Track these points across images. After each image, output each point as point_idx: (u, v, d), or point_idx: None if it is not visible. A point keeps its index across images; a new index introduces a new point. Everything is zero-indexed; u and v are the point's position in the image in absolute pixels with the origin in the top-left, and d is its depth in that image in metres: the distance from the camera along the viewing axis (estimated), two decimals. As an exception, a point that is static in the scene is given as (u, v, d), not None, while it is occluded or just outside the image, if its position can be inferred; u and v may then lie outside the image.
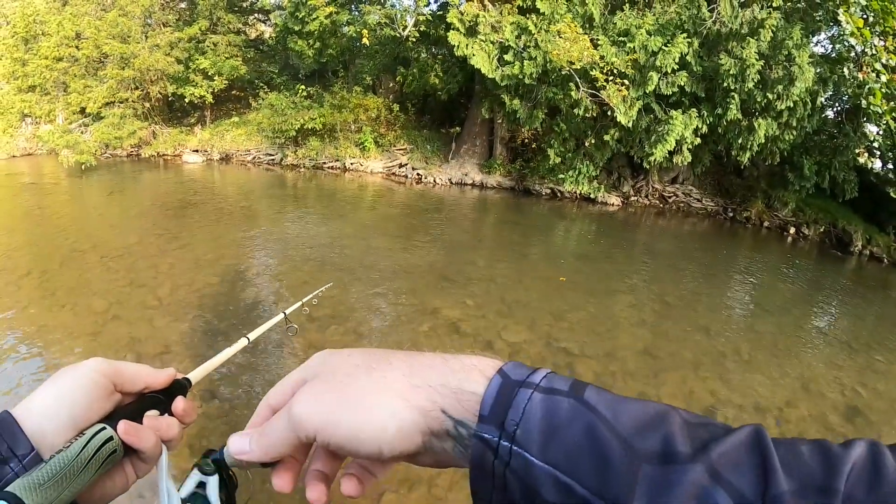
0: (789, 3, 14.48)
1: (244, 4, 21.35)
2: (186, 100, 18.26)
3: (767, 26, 13.44)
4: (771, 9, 13.58)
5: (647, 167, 16.17)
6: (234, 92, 20.49)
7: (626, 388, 5.51)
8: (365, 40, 16.48)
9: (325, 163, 17.47)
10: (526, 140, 16.86)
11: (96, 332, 5.52)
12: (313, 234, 9.89)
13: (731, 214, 18.10)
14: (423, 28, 16.90)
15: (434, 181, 16.87)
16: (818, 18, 15.06)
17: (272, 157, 17.92)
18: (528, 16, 14.29)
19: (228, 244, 8.81)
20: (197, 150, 18.24)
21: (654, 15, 14.15)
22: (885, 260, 17.07)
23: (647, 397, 5.36)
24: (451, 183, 16.85)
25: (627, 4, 14.52)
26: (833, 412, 6.02)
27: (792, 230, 17.79)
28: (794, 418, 5.69)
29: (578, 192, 16.00)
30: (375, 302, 6.88)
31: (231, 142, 18.34)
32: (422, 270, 8.29)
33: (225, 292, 6.72)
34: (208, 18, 18.79)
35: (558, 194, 16.43)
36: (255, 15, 22.69)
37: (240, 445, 0.53)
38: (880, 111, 13.35)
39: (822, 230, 17.79)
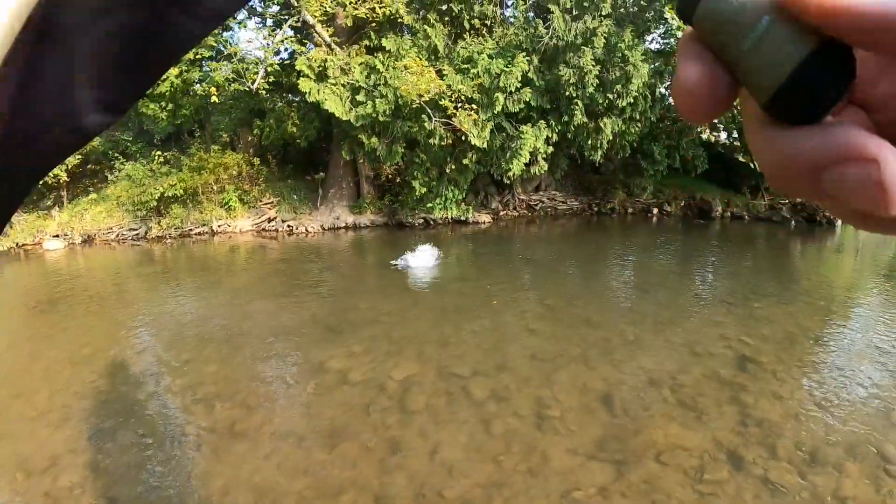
0: (622, 10, 15.73)
1: (92, 70, 20.26)
2: (40, 181, 16.96)
3: (600, 34, 14.59)
4: (602, 17, 14.70)
5: (509, 182, 16.91)
6: (89, 166, 19.23)
7: (522, 397, 5.63)
8: (214, 98, 16.11)
9: (191, 229, 16.73)
10: (390, 175, 17.07)
11: (-19, 455, 5.07)
12: (188, 310, 9.41)
13: (596, 209, 19.29)
14: (272, 78, 16.79)
15: (306, 230, 16.60)
16: (648, 19, 16.47)
17: (136, 232, 16.96)
18: (375, 55, 14.61)
19: (102, 335, 8.29)
20: (57, 235, 16.87)
21: (494, 39, 14.91)
22: (746, 217, 18.95)
23: (543, 400, 5.57)
24: (324, 229, 16.66)
25: (468, 33, 15.20)
26: (724, 367, 6.47)
27: (655, 210, 19.27)
28: (689, 382, 6.04)
29: (449, 216, 16.43)
30: (260, 369, 6.65)
31: (91, 221, 17.16)
32: (304, 326, 8.09)
33: (104, 388, 6.34)
34: (55, 89, 17.65)
35: (431, 222, 16.73)
36: (104, 81, 21.57)
37: None
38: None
39: (682, 204, 19.45)
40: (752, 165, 19.36)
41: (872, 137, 0.25)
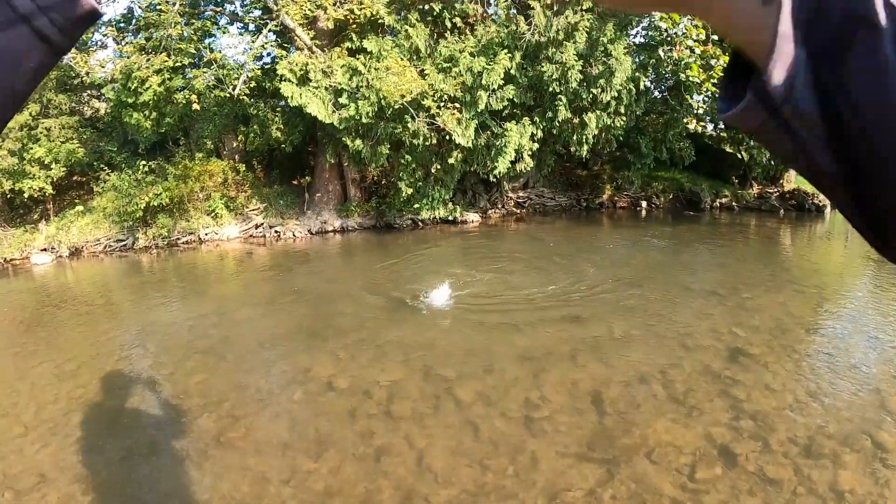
0: (601, 5, 15.72)
1: (75, 82, 19.92)
2: (26, 195, 16.72)
3: (581, 28, 14.59)
4: (583, 12, 14.67)
5: (496, 180, 16.87)
6: (74, 178, 18.96)
7: (509, 399, 5.58)
8: (195, 106, 15.94)
9: (178, 238, 16.56)
10: (376, 177, 16.96)
11: (-32, 478, 4.99)
12: (175, 320, 9.28)
13: (584, 204, 19.28)
14: (252, 84, 16.64)
15: (293, 236, 16.47)
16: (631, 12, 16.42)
17: (123, 243, 16.81)
18: (357, 56, 14.50)
19: (88, 349, 8.17)
20: (45, 249, 16.65)
21: (475, 37, 14.84)
22: (735, 207, 19.01)
23: (531, 401, 5.48)
24: (312, 234, 16.52)
25: (450, 32, 15.13)
26: (715, 360, 6.43)
27: (644, 204, 19.29)
28: (680, 377, 5.99)
29: (437, 216, 16.35)
30: (246, 378, 6.55)
31: (78, 234, 16.97)
32: (290, 333, 8.02)
33: (91, 401, 6.27)
34: (38, 102, 17.34)
35: (419, 224, 16.61)
36: (88, 91, 21.21)
37: None
38: (699, 81, 14.55)
39: (671, 197, 19.49)
40: (739, 156, 19.39)
41: None
